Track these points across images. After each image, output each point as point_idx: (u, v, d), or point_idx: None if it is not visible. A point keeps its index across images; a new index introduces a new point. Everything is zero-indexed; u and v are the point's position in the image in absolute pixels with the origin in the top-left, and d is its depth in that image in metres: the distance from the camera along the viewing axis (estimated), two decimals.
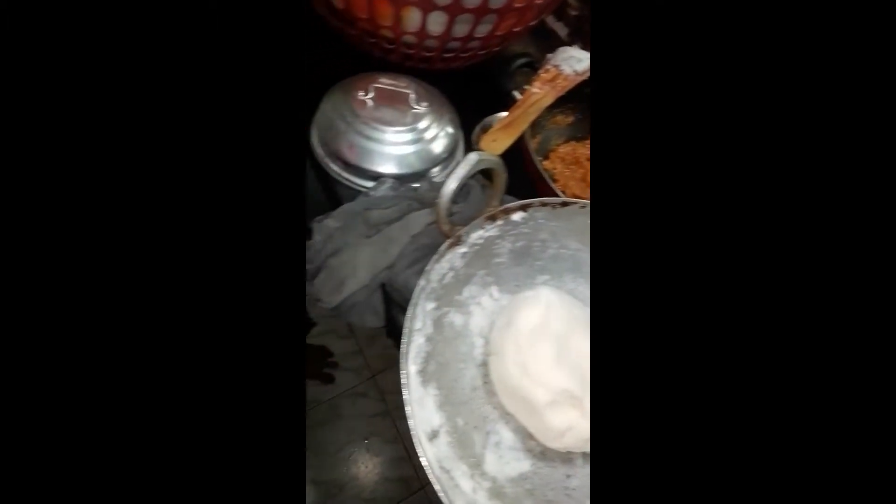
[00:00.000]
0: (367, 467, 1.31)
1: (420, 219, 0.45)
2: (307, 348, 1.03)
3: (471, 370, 0.43)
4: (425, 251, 0.43)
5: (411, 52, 0.59)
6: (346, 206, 0.46)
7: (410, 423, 0.34)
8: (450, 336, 0.42)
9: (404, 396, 0.35)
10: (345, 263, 0.43)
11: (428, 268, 0.38)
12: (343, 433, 1.33)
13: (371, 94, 0.51)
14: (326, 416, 1.34)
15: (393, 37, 0.56)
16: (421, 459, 0.34)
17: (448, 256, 0.40)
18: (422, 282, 0.38)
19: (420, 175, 0.51)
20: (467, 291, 0.44)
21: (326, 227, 0.45)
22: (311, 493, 1.27)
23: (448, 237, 0.40)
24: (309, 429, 1.31)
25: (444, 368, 0.40)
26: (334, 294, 0.43)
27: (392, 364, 1.43)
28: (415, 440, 0.34)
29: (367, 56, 0.63)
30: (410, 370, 0.36)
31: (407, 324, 0.36)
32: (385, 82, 0.52)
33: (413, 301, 0.37)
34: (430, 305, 0.39)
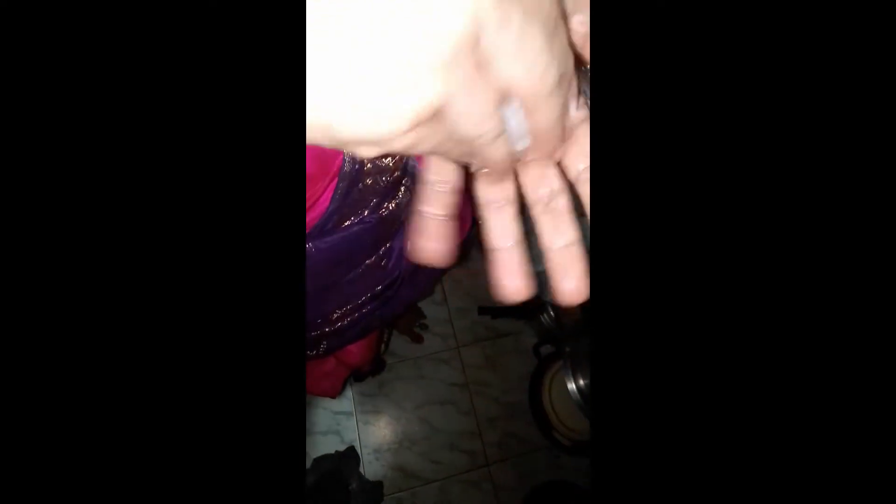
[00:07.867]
0: (438, 431, 1.34)
1: None
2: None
3: None
4: None
5: None
6: None
7: None
8: None
9: None
10: None
11: None
12: (422, 393, 1.37)
13: None
14: (409, 373, 1.38)
15: None
16: None
17: None
18: None
19: None
20: None
21: None
22: (384, 437, 1.33)
23: None
24: (391, 381, 1.36)
25: None
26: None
27: (478, 339, 1.43)
28: None
29: None
30: None
31: None
32: None
33: None
34: None
